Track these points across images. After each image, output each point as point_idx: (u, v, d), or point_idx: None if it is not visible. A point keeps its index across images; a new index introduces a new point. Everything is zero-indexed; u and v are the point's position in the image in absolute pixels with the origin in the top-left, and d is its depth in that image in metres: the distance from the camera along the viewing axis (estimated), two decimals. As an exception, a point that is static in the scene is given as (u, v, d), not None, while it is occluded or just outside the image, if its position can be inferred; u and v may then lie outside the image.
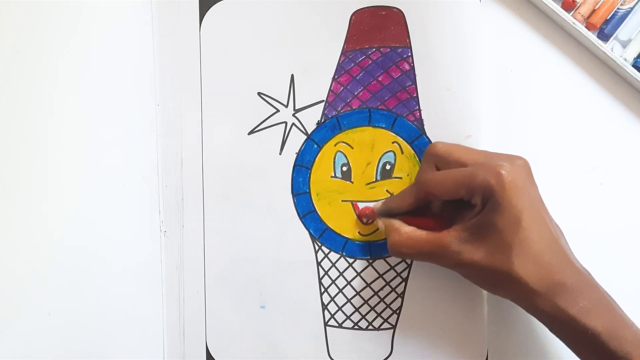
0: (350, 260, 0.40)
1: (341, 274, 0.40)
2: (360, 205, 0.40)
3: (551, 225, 0.33)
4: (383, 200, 0.38)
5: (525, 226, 0.31)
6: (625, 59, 0.38)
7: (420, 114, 0.39)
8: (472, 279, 0.35)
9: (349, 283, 0.40)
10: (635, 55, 0.38)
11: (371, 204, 0.40)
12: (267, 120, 0.41)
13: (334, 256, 0.40)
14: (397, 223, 0.36)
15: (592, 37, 0.38)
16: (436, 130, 0.39)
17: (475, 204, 0.33)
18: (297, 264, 0.41)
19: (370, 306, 0.40)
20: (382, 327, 0.40)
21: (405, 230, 0.35)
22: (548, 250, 0.32)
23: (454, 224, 0.35)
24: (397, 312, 0.40)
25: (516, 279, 0.32)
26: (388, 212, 0.37)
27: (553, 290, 0.32)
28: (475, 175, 0.32)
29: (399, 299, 0.40)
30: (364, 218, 0.40)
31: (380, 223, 0.38)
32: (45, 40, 0.42)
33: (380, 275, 0.40)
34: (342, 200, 0.40)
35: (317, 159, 0.40)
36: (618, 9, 0.39)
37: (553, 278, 0.31)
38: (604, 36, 0.39)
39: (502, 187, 0.31)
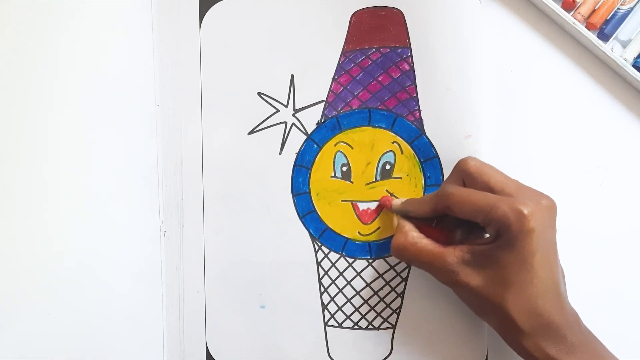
0: (350, 260, 0.40)
1: (341, 274, 0.40)
2: (360, 206, 0.40)
3: (556, 270, 0.33)
4: (403, 200, 0.38)
5: (529, 269, 0.31)
6: (625, 59, 0.38)
7: (419, 114, 0.39)
8: (464, 299, 0.35)
9: (348, 283, 0.40)
10: (635, 55, 0.38)
11: (371, 204, 0.40)
12: (267, 120, 0.41)
13: (333, 256, 0.40)
14: (407, 225, 0.36)
15: (592, 37, 0.38)
16: (436, 130, 0.39)
17: (489, 233, 0.33)
18: (297, 264, 0.41)
19: (370, 306, 0.40)
20: (382, 327, 0.40)
21: (413, 235, 0.35)
22: (544, 294, 0.32)
23: (463, 240, 0.35)
24: (397, 311, 0.40)
25: (505, 314, 0.32)
26: (405, 213, 0.37)
27: (537, 331, 0.32)
28: (497, 208, 0.31)
29: (399, 299, 0.40)
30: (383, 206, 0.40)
31: (395, 219, 0.38)
32: (44, 40, 0.42)
33: (380, 275, 0.40)
34: (342, 200, 0.40)
35: (317, 159, 0.40)
36: (618, 9, 0.39)
37: (541, 320, 0.32)
38: (604, 36, 0.39)
39: (519, 227, 0.31)
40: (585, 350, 0.32)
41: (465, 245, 0.33)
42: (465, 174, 0.35)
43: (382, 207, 0.40)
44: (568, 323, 0.32)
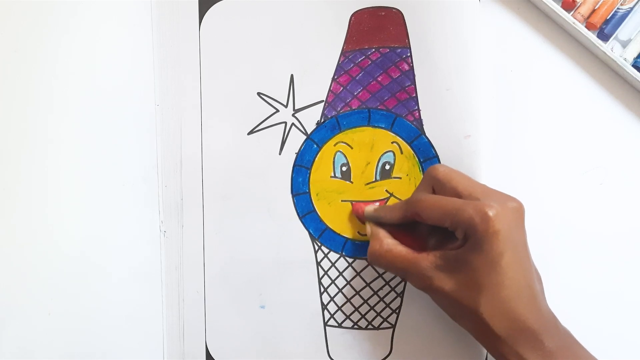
0: (350, 260, 0.40)
1: (341, 273, 0.40)
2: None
3: (528, 272, 0.32)
4: (375, 207, 0.38)
5: (499, 271, 0.31)
6: (625, 59, 0.38)
7: (419, 114, 0.39)
8: (440, 304, 0.35)
9: (348, 283, 0.40)
10: (635, 55, 0.38)
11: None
12: (267, 120, 0.41)
13: (333, 256, 0.40)
14: (381, 233, 0.36)
15: (592, 37, 0.38)
16: (435, 131, 0.39)
17: (458, 236, 0.33)
18: (297, 263, 0.41)
19: (369, 306, 0.40)
20: (381, 327, 0.40)
21: (387, 242, 0.35)
22: (518, 296, 0.31)
23: (437, 246, 0.35)
24: (397, 311, 0.40)
25: (479, 319, 0.32)
26: (377, 220, 0.37)
27: (514, 336, 0.31)
28: (463, 211, 0.32)
29: (399, 299, 0.40)
30: (356, 216, 0.40)
31: (368, 227, 0.38)
32: (44, 41, 0.42)
33: (380, 275, 0.40)
34: (342, 200, 0.40)
35: (316, 159, 0.40)
36: (618, 9, 0.38)
37: (516, 325, 0.31)
38: (604, 36, 0.39)
39: (485, 228, 0.31)
40: (564, 354, 0.31)
41: (438, 251, 0.33)
42: (434, 181, 0.35)
43: (355, 215, 0.40)
44: (545, 327, 0.32)
